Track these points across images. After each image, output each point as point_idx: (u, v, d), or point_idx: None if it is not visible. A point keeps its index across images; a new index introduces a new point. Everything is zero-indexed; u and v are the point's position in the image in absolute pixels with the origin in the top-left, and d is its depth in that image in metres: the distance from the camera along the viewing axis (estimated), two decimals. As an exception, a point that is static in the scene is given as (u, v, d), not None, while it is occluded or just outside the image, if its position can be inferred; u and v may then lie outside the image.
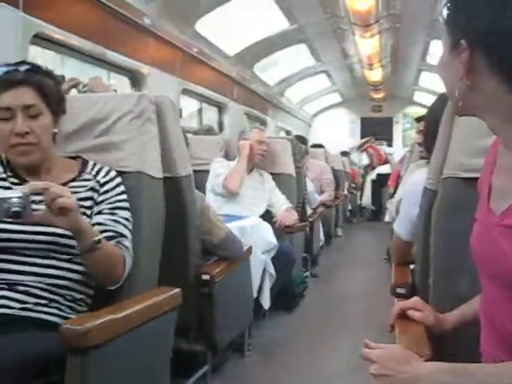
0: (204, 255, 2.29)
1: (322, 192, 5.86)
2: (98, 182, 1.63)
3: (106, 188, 1.63)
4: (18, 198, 1.24)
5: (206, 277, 2.05)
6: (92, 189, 1.61)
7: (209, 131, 5.63)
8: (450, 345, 1.29)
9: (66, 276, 1.51)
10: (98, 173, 1.65)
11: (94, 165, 1.68)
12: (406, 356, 1.00)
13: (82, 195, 1.58)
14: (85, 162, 1.69)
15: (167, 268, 1.83)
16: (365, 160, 10.74)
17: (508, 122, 0.96)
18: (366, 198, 9.63)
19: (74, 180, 1.61)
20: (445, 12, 1.02)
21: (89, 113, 1.82)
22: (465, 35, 0.93)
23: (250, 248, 2.72)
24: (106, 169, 1.68)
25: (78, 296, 1.56)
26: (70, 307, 1.53)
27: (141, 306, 1.47)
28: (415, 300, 1.36)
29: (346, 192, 8.21)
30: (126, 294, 1.60)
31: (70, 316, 1.49)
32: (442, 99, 2.04)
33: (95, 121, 1.81)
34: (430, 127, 2.01)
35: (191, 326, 2.12)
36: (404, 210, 2.04)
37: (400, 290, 1.84)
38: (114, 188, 1.64)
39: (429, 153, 1.93)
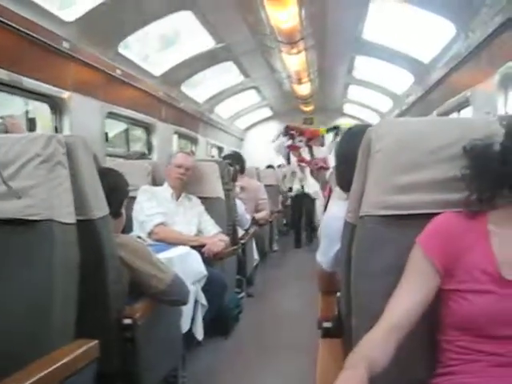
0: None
1: (257, 211, 5.80)
2: None
3: None
4: None
5: (127, 321, 1.96)
6: None
7: (143, 156, 5.53)
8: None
9: None
10: None
11: None
12: None
13: None
14: None
15: (86, 316, 1.74)
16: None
17: None
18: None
19: None
20: None
21: (-6, 156, 1.71)
22: None
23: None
24: None
25: None
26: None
27: (52, 368, 1.38)
28: None
29: (280, 207, 8.22)
30: (40, 350, 1.50)
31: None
32: (349, 134, 2.01)
33: (1, 165, 1.70)
34: (341, 166, 1.99)
35: (116, 374, 2.03)
36: (324, 242, 2.02)
37: (326, 324, 1.82)
38: None
39: (345, 191, 1.89)
